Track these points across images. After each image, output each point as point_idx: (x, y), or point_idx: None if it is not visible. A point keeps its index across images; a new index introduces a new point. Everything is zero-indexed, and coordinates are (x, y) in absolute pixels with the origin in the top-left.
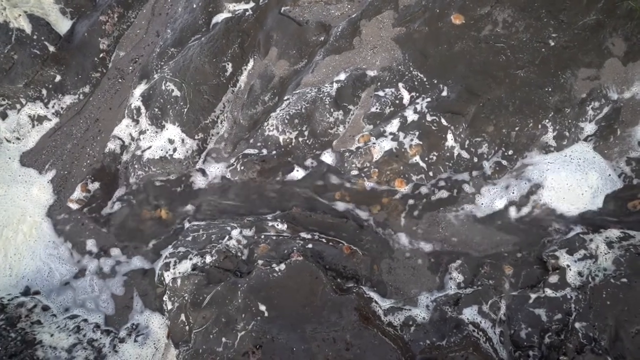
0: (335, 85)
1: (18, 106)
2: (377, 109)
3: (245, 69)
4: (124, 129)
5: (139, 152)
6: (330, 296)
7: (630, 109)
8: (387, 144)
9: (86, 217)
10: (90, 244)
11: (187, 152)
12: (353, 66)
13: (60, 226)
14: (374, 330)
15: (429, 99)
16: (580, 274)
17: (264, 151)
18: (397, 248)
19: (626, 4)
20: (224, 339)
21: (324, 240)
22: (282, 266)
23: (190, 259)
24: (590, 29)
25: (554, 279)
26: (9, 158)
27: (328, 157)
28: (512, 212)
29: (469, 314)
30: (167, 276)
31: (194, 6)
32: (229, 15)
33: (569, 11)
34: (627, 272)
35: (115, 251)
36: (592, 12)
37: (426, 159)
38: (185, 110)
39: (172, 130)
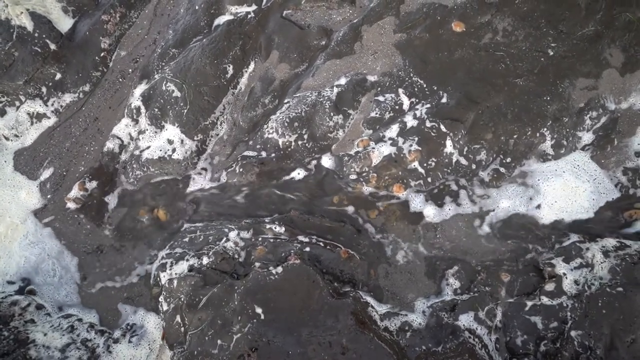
0: (335, 90)
1: (17, 103)
2: (376, 114)
3: (246, 71)
4: (123, 128)
5: (137, 152)
6: (327, 300)
7: (627, 120)
8: (386, 149)
9: (83, 217)
10: (87, 242)
11: (186, 152)
12: (354, 71)
13: (54, 225)
14: (370, 335)
15: (428, 105)
16: (576, 282)
17: (263, 154)
18: (394, 253)
19: (624, 16)
20: (219, 341)
21: (321, 243)
22: (279, 269)
23: (187, 260)
24: (588, 40)
25: (550, 286)
26: (5, 161)
27: (327, 161)
28: (509, 220)
29: (465, 320)
30: (164, 277)
31: (196, 8)
32: (231, 17)
33: (568, 22)
34: (622, 281)
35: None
36: (590, 23)
37: (425, 164)
38: (185, 111)
39: (172, 131)
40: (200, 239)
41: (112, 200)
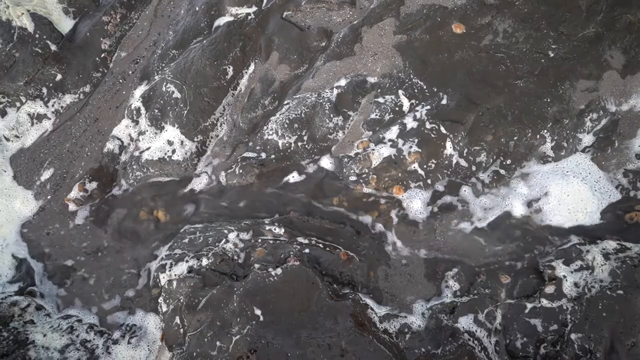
0: (335, 91)
1: (18, 104)
2: (376, 115)
3: (246, 72)
4: (123, 129)
5: (137, 153)
6: (326, 302)
7: (628, 121)
8: (386, 151)
9: (82, 217)
10: (86, 243)
11: (185, 154)
12: (354, 72)
13: (52, 224)
14: (369, 337)
15: (428, 107)
16: (576, 284)
17: (263, 155)
18: (394, 255)
19: (625, 18)
20: (218, 343)
21: (321, 245)
22: (279, 271)
23: (187, 261)
24: (589, 42)
25: (550, 289)
26: (4, 171)
27: (327, 163)
28: (509, 222)
29: (465, 322)
30: (163, 278)
31: (197, 9)
32: (231, 18)
33: (569, 23)
34: (623, 284)
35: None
36: (591, 25)
37: (425, 166)
38: (185, 112)
39: (172, 132)
40: (200, 240)
41: (111, 200)
